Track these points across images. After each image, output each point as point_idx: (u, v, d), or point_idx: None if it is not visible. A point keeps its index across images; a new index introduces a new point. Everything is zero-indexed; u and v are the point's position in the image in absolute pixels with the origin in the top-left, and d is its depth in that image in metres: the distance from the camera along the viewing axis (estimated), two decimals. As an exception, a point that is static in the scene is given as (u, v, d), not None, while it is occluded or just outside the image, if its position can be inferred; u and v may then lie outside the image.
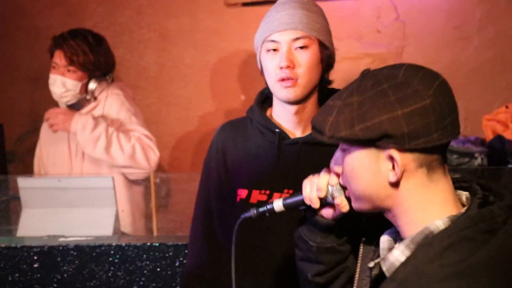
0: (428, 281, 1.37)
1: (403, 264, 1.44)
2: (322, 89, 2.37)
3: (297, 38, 2.24)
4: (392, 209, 1.52)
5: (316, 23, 2.28)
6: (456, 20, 4.47)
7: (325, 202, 1.69)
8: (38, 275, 3.01)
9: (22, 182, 3.25)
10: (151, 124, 4.75)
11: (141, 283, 2.96)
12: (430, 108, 1.41)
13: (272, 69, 2.25)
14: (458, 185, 1.58)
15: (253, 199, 2.31)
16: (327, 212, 1.71)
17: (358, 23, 4.57)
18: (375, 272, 1.58)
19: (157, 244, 2.96)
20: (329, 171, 1.67)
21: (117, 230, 3.12)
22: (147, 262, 2.94)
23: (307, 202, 1.70)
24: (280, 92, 2.26)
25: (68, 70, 3.59)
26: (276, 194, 2.27)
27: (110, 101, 3.71)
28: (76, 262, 2.99)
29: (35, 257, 3.01)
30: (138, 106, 4.76)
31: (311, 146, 2.25)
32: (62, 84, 3.60)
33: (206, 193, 2.47)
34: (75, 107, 3.69)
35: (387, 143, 1.43)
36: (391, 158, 1.45)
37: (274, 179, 2.30)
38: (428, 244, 1.42)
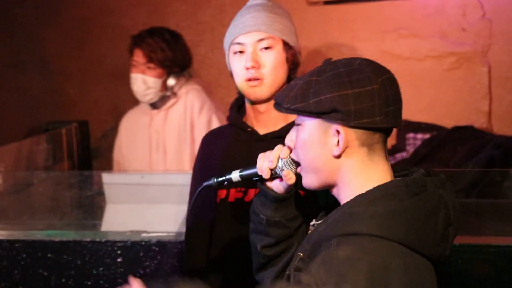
0: (353, 219, 1.54)
1: (335, 211, 1.63)
2: None
3: (261, 39, 2.32)
4: (335, 184, 1.67)
5: (279, 24, 2.35)
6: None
7: (275, 174, 1.81)
8: (122, 269, 3.05)
9: (107, 178, 3.30)
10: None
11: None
12: (377, 93, 1.57)
13: (239, 70, 2.34)
14: (398, 174, 1.72)
15: (231, 198, 2.40)
16: (276, 185, 1.83)
17: (442, 21, 4.51)
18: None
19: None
20: (282, 146, 1.81)
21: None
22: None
23: (259, 172, 1.83)
24: (247, 91, 2.34)
25: (148, 68, 3.65)
26: (251, 190, 2.36)
27: (191, 97, 3.75)
28: (158, 257, 3.02)
29: (119, 252, 3.05)
30: (219, 103, 4.81)
31: (281, 140, 2.28)
32: (143, 82, 3.66)
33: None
34: (157, 104, 3.74)
35: (335, 118, 1.59)
36: (337, 133, 1.59)
37: None
38: (360, 196, 1.59)
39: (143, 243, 3.04)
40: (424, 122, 4.42)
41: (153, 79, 3.66)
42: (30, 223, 3.39)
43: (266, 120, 2.39)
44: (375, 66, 1.63)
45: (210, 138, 2.58)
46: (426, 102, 4.58)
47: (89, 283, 3.07)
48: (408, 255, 1.52)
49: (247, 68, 2.30)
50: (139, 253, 3.04)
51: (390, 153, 4.34)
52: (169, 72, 3.69)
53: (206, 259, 2.47)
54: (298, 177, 1.76)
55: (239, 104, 2.51)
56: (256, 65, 2.30)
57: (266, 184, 1.86)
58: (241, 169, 1.90)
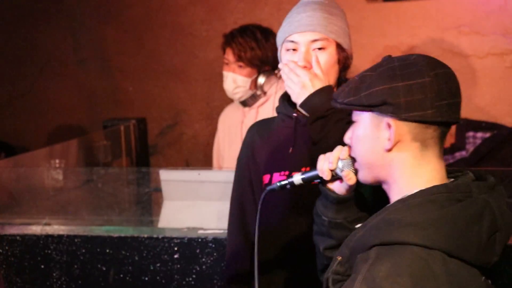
0: (392, 227, 1.53)
1: (374, 216, 1.62)
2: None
3: (315, 40, 2.31)
4: (386, 180, 1.67)
5: (335, 25, 2.34)
6: None
7: (335, 175, 1.82)
8: (178, 266, 3.07)
9: (164, 174, 3.32)
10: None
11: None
12: (429, 85, 1.57)
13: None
14: (453, 175, 1.70)
15: (274, 181, 2.36)
16: (337, 186, 1.84)
17: (505, 18, 4.44)
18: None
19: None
20: (341, 147, 1.81)
21: None
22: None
23: (320, 174, 1.84)
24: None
25: (239, 66, 3.66)
26: (295, 174, 2.30)
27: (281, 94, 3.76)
28: (214, 254, 3.03)
29: (175, 248, 3.08)
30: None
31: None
32: (233, 81, 3.68)
33: (239, 188, 2.57)
34: (247, 102, 3.77)
35: (386, 110, 1.59)
36: (389, 126, 1.60)
37: (292, 160, 2.38)
38: (399, 202, 1.59)
39: (200, 240, 3.06)
40: (484, 121, 4.36)
41: (242, 77, 3.68)
42: (89, 218, 3.45)
43: None
44: (430, 61, 1.62)
45: (257, 127, 2.60)
46: (487, 100, 4.52)
47: (146, 278, 3.10)
48: (451, 263, 1.49)
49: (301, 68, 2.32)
50: (195, 249, 3.06)
51: (449, 151, 4.29)
52: (259, 71, 3.69)
53: (251, 250, 2.46)
54: (356, 174, 1.77)
55: (288, 97, 2.50)
56: (308, 65, 2.32)
57: (327, 186, 1.87)
58: (302, 172, 1.91)
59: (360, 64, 4.65)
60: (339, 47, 2.36)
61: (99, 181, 3.79)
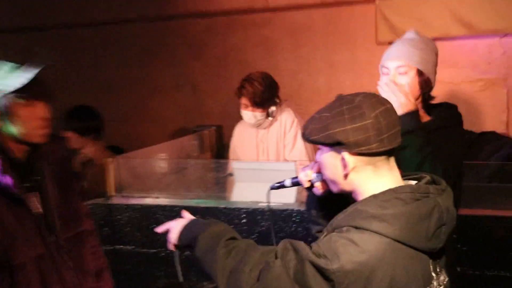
0: (361, 216, 1.47)
1: (353, 204, 1.54)
2: (427, 103, 2.35)
3: (399, 66, 2.25)
4: (352, 191, 1.58)
5: (416, 56, 2.25)
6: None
7: (312, 184, 1.74)
8: (245, 227, 3.08)
9: (235, 164, 3.37)
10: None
11: (314, 237, 2.96)
12: (370, 126, 1.48)
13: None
14: (409, 177, 1.62)
15: None
16: (316, 190, 1.74)
17: (474, 57, 4.39)
18: None
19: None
20: (314, 163, 1.73)
21: (297, 199, 3.13)
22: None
23: (301, 182, 1.79)
24: None
25: (256, 107, 3.63)
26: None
27: (285, 117, 3.74)
28: (269, 221, 3.03)
29: (243, 215, 3.08)
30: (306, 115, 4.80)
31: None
32: (253, 117, 3.66)
33: None
34: (261, 125, 3.74)
35: (340, 148, 1.51)
36: (343, 159, 1.52)
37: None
38: (373, 196, 1.51)
39: (260, 210, 3.06)
40: (459, 128, 4.31)
41: (260, 113, 3.66)
42: (184, 194, 3.47)
43: None
44: (372, 102, 1.52)
45: None
46: (461, 114, 4.46)
47: (223, 235, 3.12)
48: (399, 249, 1.45)
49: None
50: (256, 216, 3.07)
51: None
52: (269, 104, 3.68)
53: None
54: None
55: None
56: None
57: (309, 189, 1.81)
58: (292, 177, 1.86)
59: (372, 87, 4.64)
60: (419, 72, 2.26)
61: (191, 168, 3.83)
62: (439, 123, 2.30)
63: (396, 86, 2.23)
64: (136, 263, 3.29)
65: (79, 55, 5.39)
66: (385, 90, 2.25)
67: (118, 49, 5.42)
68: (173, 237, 1.85)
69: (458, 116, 2.41)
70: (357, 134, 1.49)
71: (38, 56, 5.50)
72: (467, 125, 4.32)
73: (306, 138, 1.60)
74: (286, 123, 3.73)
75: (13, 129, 2.00)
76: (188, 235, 1.80)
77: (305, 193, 3.40)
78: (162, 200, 3.30)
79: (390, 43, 4.43)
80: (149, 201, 3.31)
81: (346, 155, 1.51)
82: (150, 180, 3.72)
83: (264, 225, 3.06)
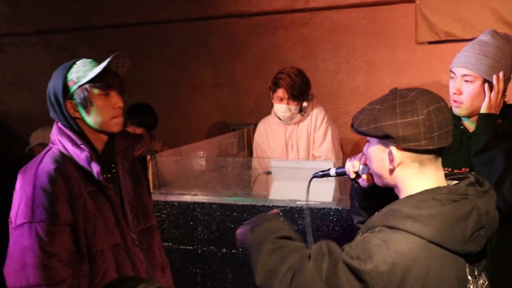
0: (396, 216, 1.46)
1: (389, 205, 1.53)
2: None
3: (465, 75, 2.24)
4: (395, 188, 1.58)
5: (483, 65, 2.21)
6: None
7: (358, 174, 1.74)
8: None
9: (274, 162, 3.34)
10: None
11: (351, 235, 2.93)
12: (422, 122, 1.46)
13: (450, 89, 2.31)
14: (453, 177, 1.60)
15: None
16: (362, 182, 1.74)
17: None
18: None
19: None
20: (362, 154, 1.72)
21: (335, 198, 3.11)
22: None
23: (347, 173, 1.77)
24: (452, 108, 2.30)
25: (292, 100, 3.60)
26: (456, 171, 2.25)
27: (316, 112, 3.71)
28: (307, 218, 3.02)
29: (281, 213, 2.98)
30: (351, 114, 4.74)
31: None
32: (288, 110, 3.63)
33: None
34: (292, 120, 3.70)
35: (388, 141, 1.50)
36: (391, 153, 1.51)
37: (455, 159, 2.28)
38: (408, 197, 1.50)
39: (297, 208, 3.05)
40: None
41: (294, 106, 3.63)
42: (222, 191, 3.49)
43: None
44: (426, 98, 1.50)
45: None
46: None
47: (260, 233, 3.12)
48: (434, 250, 1.42)
49: (453, 93, 2.29)
50: (294, 214, 3.05)
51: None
52: (303, 99, 3.65)
53: None
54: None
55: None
56: (458, 92, 2.28)
57: (353, 180, 1.80)
58: (337, 167, 1.85)
59: (411, 86, 4.57)
60: (486, 82, 2.25)
61: (229, 166, 3.84)
62: (510, 127, 2.25)
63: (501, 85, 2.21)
64: (173, 260, 3.31)
65: (122, 55, 5.45)
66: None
67: (159, 49, 5.46)
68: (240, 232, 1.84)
69: None
70: (407, 129, 1.47)
71: (81, 55, 5.60)
72: None
73: (355, 129, 1.59)
74: (317, 119, 3.71)
75: (90, 118, 2.08)
76: (247, 229, 1.80)
77: (343, 192, 3.39)
78: (200, 198, 3.32)
79: (430, 42, 4.45)
80: (187, 198, 3.32)
81: (393, 149, 1.51)
82: (189, 178, 3.74)
83: (301, 223, 3.03)
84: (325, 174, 1.88)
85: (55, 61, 5.62)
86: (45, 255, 1.94)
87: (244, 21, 5.16)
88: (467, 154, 2.27)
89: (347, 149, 4.75)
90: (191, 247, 3.28)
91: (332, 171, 1.85)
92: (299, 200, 3.07)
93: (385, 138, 1.50)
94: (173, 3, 5.27)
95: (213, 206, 3.22)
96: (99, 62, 2.13)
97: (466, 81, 2.25)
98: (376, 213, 1.57)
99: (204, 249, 3.26)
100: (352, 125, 1.61)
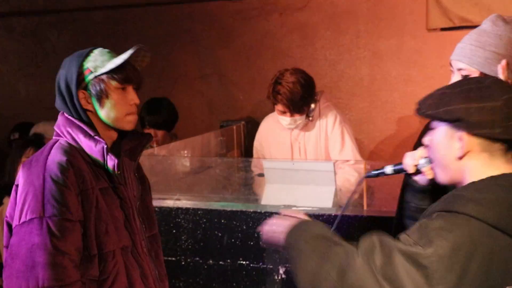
0: (457, 200, 1.50)
1: (443, 196, 1.57)
2: None
3: (461, 69, 2.21)
4: (460, 182, 1.59)
5: (479, 57, 2.16)
6: None
7: (417, 170, 1.79)
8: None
9: (266, 163, 3.31)
10: (363, 123, 4.74)
11: (354, 243, 2.93)
12: (499, 109, 1.50)
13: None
14: None
15: None
16: (421, 178, 1.80)
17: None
18: None
19: (365, 216, 2.94)
20: (423, 147, 1.75)
21: (335, 204, 3.10)
22: (358, 230, 2.92)
23: (405, 168, 1.82)
24: None
25: (296, 112, 3.55)
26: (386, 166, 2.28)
27: (325, 113, 3.67)
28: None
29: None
30: (353, 109, 4.74)
31: None
32: (294, 121, 3.59)
33: None
34: (299, 126, 3.67)
35: (460, 126, 1.54)
36: (461, 139, 1.54)
37: None
38: (472, 183, 1.54)
39: (293, 215, 3.04)
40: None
41: (299, 117, 3.59)
42: (209, 196, 3.46)
43: None
44: (502, 85, 1.56)
45: None
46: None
47: (251, 243, 3.11)
48: (497, 237, 1.44)
49: None
50: (289, 222, 3.04)
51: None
52: (309, 105, 3.59)
53: None
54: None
55: None
56: None
57: (412, 178, 1.84)
58: (394, 164, 1.89)
59: (421, 79, 4.58)
60: (483, 74, 2.19)
61: (217, 167, 3.83)
62: None
63: None
64: (154, 272, 3.29)
65: (92, 41, 5.41)
66: None
67: (137, 35, 5.45)
68: (273, 234, 1.87)
69: None
70: (482, 114, 1.51)
71: (49, 42, 5.57)
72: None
73: (422, 112, 1.63)
74: (328, 122, 3.65)
75: (103, 112, 2.10)
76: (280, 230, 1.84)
77: (343, 198, 3.38)
78: (184, 203, 3.30)
79: (443, 29, 4.46)
80: (169, 203, 3.30)
81: (464, 135, 1.54)
82: (171, 180, 3.73)
83: (297, 232, 3.02)
84: (379, 173, 1.92)
85: (20, 47, 5.61)
86: (58, 253, 1.91)
87: (234, 5, 5.15)
88: None
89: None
90: (173, 258, 3.27)
91: (388, 169, 1.89)
92: (295, 206, 3.06)
93: (456, 122, 1.54)
94: (152, -17, 5.27)
95: (199, 212, 3.21)
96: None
97: (463, 75, 2.25)
98: (437, 201, 1.60)
99: (188, 260, 3.25)
100: (418, 110, 1.65)
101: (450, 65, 2.30)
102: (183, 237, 3.24)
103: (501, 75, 2.20)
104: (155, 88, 5.39)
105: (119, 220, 2.11)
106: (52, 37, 5.62)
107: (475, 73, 2.20)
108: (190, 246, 3.24)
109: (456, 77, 2.25)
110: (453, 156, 1.58)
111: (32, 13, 5.69)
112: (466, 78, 1.60)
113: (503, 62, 2.18)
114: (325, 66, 4.88)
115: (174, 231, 3.25)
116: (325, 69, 4.90)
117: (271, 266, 3.08)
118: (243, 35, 5.18)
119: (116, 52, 2.17)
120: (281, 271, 3.06)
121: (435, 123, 1.64)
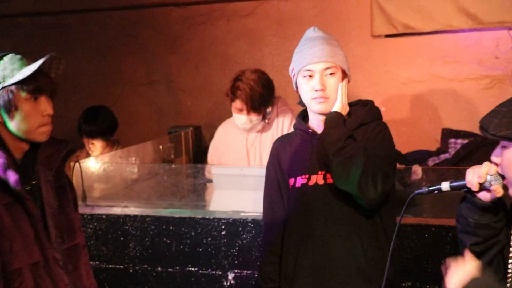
0: None
1: None
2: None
3: (327, 68, 2.33)
4: None
5: (339, 55, 2.36)
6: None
7: (483, 187, 1.69)
8: (224, 240, 3.07)
9: (215, 170, 3.33)
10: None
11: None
12: None
13: (307, 90, 2.35)
14: None
15: (298, 183, 2.40)
16: (484, 195, 1.71)
17: (479, 51, 4.40)
18: None
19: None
20: (489, 164, 1.68)
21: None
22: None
23: (469, 185, 1.71)
24: (315, 107, 2.35)
25: (253, 111, 3.51)
26: (313, 177, 2.37)
27: (282, 117, 3.65)
28: (253, 232, 3.03)
29: (223, 227, 3.07)
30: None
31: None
32: (249, 121, 3.54)
33: (269, 187, 2.56)
34: (256, 129, 3.63)
35: None
36: None
37: (309, 166, 2.38)
38: None
39: (242, 221, 3.05)
40: (463, 130, 4.32)
41: (256, 117, 3.54)
42: (157, 203, 3.45)
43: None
44: None
45: (280, 141, 2.59)
46: (465, 114, 4.48)
47: (200, 250, 3.11)
48: None
49: (316, 90, 2.32)
50: (238, 228, 3.05)
51: (436, 154, 4.25)
52: (266, 107, 3.56)
53: (283, 231, 2.49)
54: (505, 188, 1.67)
55: (304, 115, 2.52)
56: (323, 88, 2.32)
57: (474, 195, 1.75)
58: (451, 181, 1.80)
59: (367, 85, 4.65)
60: (343, 71, 2.37)
61: (165, 174, 3.82)
62: (359, 121, 2.39)
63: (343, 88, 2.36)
64: (102, 281, 3.26)
65: (38, 46, 5.34)
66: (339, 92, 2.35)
67: (83, 41, 5.39)
68: None
69: (375, 111, 2.46)
70: None
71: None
72: (471, 127, 4.38)
73: (491, 134, 1.57)
74: (284, 125, 3.64)
75: (13, 124, 1.99)
76: None
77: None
78: (132, 210, 3.27)
79: (387, 36, 4.54)
80: (117, 210, 3.27)
81: None
82: (119, 187, 3.69)
83: (246, 237, 3.04)
84: (434, 190, 1.82)
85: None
86: None
87: (181, 11, 5.14)
88: (320, 157, 2.36)
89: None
90: (121, 266, 3.24)
91: (445, 186, 1.80)
92: (243, 212, 3.07)
93: None
94: (99, -12, 5.21)
95: (147, 219, 3.19)
96: (19, 56, 2.05)
97: (329, 74, 2.34)
98: None
99: (137, 268, 3.22)
100: (485, 130, 1.59)
101: (307, 70, 2.34)
102: (131, 245, 3.21)
103: (336, 86, 2.37)
104: (102, 94, 5.35)
105: (28, 235, 2.01)
106: (-5, 43, 5.53)
107: (338, 70, 2.36)
108: (138, 254, 3.21)
109: (318, 80, 2.32)
110: None
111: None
112: None
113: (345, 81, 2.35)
114: (272, 72, 4.85)
115: (122, 238, 3.22)
116: (272, 75, 4.84)
117: (220, 272, 3.08)
118: (190, 41, 5.17)
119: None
120: (230, 277, 3.07)
121: (505, 142, 1.59)
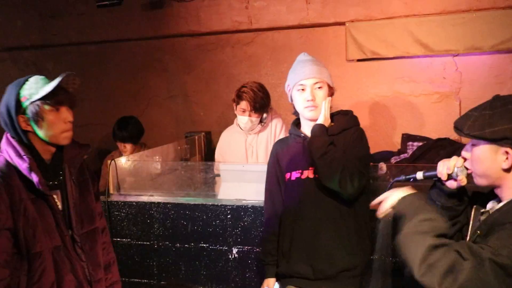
0: None
1: (505, 204, 1.50)
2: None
3: (316, 82, 2.38)
4: (501, 186, 1.53)
5: (325, 73, 2.42)
6: (495, 70, 4.22)
7: (450, 177, 1.68)
8: (230, 222, 3.07)
9: (222, 166, 3.33)
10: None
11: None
12: None
13: (301, 100, 2.40)
14: None
15: (293, 177, 2.41)
16: (451, 184, 1.70)
17: (431, 72, 4.40)
18: (483, 217, 1.61)
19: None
20: (457, 157, 1.66)
21: None
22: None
23: (439, 175, 1.70)
24: (307, 114, 2.40)
25: (254, 112, 3.51)
26: (305, 172, 2.38)
27: (275, 122, 3.65)
28: (252, 216, 3.03)
29: (228, 211, 3.07)
30: (289, 121, 4.76)
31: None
32: (250, 122, 3.53)
33: (270, 181, 2.58)
34: (253, 130, 3.60)
35: (505, 143, 1.47)
36: (506, 153, 1.48)
37: (302, 163, 2.40)
38: None
39: (243, 207, 3.05)
40: (418, 135, 4.32)
41: (256, 118, 3.54)
42: (176, 192, 3.45)
43: None
44: None
45: (279, 143, 2.62)
46: (420, 122, 4.48)
47: (210, 230, 3.11)
48: None
49: (308, 100, 2.35)
50: (240, 213, 3.05)
51: (397, 154, 4.25)
52: (264, 111, 3.57)
53: (280, 216, 2.48)
54: (468, 178, 1.64)
55: (297, 122, 2.54)
56: (313, 98, 2.35)
57: (442, 183, 1.73)
58: (424, 171, 1.77)
59: (343, 99, 4.65)
60: (328, 85, 2.41)
61: (182, 169, 3.80)
62: (341, 127, 2.41)
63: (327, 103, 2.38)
64: (132, 254, 3.25)
65: (83, 69, 5.34)
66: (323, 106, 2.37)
67: (118, 64, 5.37)
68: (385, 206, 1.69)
69: (354, 119, 2.49)
70: None
71: (47, 71, 5.45)
72: (425, 133, 4.38)
73: (465, 133, 1.54)
74: (276, 128, 3.65)
75: (41, 132, 2.01)
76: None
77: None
78: (156, 198, 3.27)
79: (359, 60, 4.54)
80: (144, 198, 3.28)
81: (510, 150, 1.48)
82: (146, 180, 3.68)
83: (247, 220, 3.03)
84: (410, 178, 1.78)
85: (23, 75, 5.44)
86: None
87: (195, 40, 5.13)
88: (309, 156, 2.37)
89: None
90: (148, 243, 3.23)
91: (419, 175, 1.76)
92: (245, 199, 3.06)
93: (502, 140, 1.47)
94: (130, 23, 5.19)
95: (168, 206, 3.18)
96: (42, 76, 2.06)
97: (318, 88, 2.38)
98: (494, 211, 1.54)
99: (160, 244, 3.22)
100: (459, 130, 1.56)
101: (300, 85, 2.37)
102: (155, 226, 3.21)
103: (324, 98, 2.40)
104: (132, 106, 5.34)
105: (51, 224, 2.02)
106: (49, 67, 5.51)
107: (325, 84, 2.42)
108: (161, 233, 3.21)
109: (309, 93, 2.36)
110: (498, 167, 1.52)
111: (33, 47, 5.58)
112: (497, 99, 1.52)
113: (328, 100, 2.41)
114: (267, 88, 4.85)
115: (148, 221, 3.22)
116: (268, 90, 4.92)
117: (226, 248, 3.07)
118: (202, 64, 5.15)
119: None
120: (234, 251, 3.06)
121: (476, 140, 1.55)
